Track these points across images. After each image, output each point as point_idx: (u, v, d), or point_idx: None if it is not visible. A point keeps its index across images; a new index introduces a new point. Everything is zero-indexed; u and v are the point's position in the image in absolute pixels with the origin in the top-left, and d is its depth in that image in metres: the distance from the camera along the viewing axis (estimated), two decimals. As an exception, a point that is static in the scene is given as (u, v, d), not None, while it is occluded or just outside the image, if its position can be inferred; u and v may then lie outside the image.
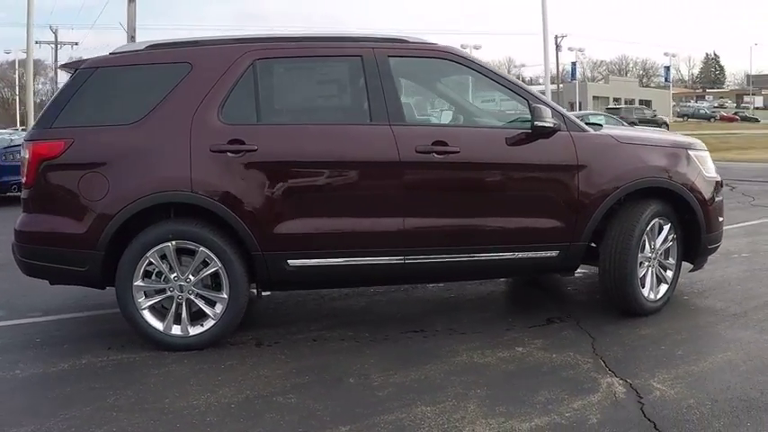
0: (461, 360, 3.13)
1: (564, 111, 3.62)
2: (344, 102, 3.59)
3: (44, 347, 3.44)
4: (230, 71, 3.33)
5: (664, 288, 3.75)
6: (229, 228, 3.27)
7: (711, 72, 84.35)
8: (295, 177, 3.31)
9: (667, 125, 35.71)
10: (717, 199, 3.84)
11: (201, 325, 3.32)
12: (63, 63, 3.72)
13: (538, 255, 3.53)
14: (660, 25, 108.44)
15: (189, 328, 3.30)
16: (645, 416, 2.46)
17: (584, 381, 2.82)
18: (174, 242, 3.24)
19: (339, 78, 3.57)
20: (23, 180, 3.36)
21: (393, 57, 3.47)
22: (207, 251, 3.24)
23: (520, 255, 3.52)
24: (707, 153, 3.91)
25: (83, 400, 2.75)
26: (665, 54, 57.86)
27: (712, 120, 48.59)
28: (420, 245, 3.40)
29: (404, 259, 3.40)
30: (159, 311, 3.33)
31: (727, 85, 78.59)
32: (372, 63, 3.42)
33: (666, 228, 3.69)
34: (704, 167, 3.80)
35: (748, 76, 69.42)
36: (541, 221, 3.50)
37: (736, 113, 52.71)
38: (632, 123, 21.69)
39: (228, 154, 3.23)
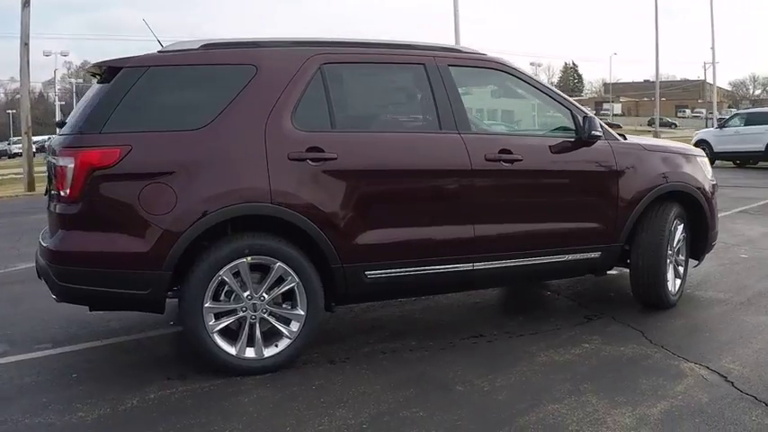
0: (544, 360, 3.40)
1: (600, 121, 4.05)
2: (413, 109, 3.71)
3: (89, 383, 3.18)
4: (299, 75, 3.33)
5: (678, 282, 4.32)
6: (307, 240, 3.25)
7: (570, 80, 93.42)
8: (374, 186, 3.39)
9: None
10: (715, 200, 4.50)
11: (276, 345, 3.27)
12: (95, 63, 3.41)
13: (584, 256, 3.92)
14: (524, 35, 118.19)
15: (263, 349, 3.23)
16: (742, 391, 2.90)
17: (666, 368, 3.23)
18: (249, 258, 3.16)
19: (405, 86, 3.69)
20: (64, 193, 3.07)
21: (453, 66, 3.67)
22: (284, 266, 3.21)
23: (570, 257, 3.88)
24: (707, 159, 4.57)
25: (192, 438, 2.63)
26: (531, 64, 63.35)
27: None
28: (488, 251, 3.63)
29: (473, 266, 3.61)
30: (227, 334, 3.21)
31: (586, 93, 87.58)
32: (435, 71, 3.60)
33: (680, 227, 4.26)
34: (706, 172, 4.45)
35: (606, 84, 78.03)
36: (588, 225, 3.90)
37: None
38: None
39: (309, 162, 3.23)
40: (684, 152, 4.37)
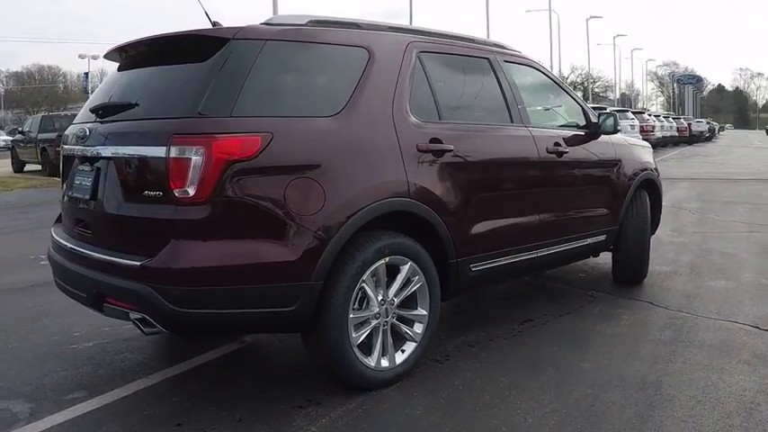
0: (612, 332, 4.00)
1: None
2: (490, 103, 3.90)
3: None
4: (406, 62, 3.35)
5: (644, 259, 5.30)
6: (426, 236, 3.29)
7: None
8: (482, 178, 3.58)
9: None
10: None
11: (402, 351, 3.27)
12: (165, 33, 2.83)
13: (597, 239, 4.62)
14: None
15: (395, 356, 3.19)
16: (784, 338, 3.85)
17: (709, 327, 4.06)
18: (387, 259, 3.09)
19: (480, 79, 3.87)
20: (182, 193, 2.62)
21: (507, 62, 4.01)
22: (414, 265, 3.22)
23: (589, 240, 4.53)
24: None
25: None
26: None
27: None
28: (546, 238, 4.07)
29: (537, 253, 4.01)
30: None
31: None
32: (498, 66, 3.91)
33: (647, 210, 5.24)
34: (654, 160, 5.52)
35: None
36: (603, 210, 4.61)
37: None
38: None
39: (432, 154, 3.26)
40: (645, 144, 5.38)
